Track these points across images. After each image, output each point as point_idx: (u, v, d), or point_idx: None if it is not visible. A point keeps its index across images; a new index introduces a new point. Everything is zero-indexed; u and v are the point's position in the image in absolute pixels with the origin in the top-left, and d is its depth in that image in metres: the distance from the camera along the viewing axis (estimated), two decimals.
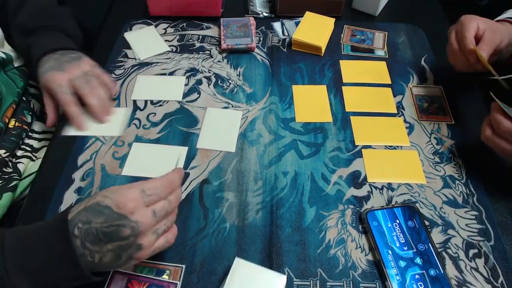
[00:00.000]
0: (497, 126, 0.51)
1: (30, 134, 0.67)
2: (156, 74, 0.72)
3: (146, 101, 0.68)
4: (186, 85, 0.71)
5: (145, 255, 0.42)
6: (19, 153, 0.64)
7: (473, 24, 0.59)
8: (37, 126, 0.68)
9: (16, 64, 0.65)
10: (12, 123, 0.62)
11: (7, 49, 0.65)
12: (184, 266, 0.50)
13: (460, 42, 0.59)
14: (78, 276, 0.40)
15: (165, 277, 0.49)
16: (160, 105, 0.68)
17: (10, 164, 0.62)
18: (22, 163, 0.64)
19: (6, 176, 0.60)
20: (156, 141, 0.63)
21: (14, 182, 0.61)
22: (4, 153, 0.60)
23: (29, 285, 0.39)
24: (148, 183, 0.43)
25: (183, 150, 0.61)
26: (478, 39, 0.59)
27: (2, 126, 0.60)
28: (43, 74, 0.60)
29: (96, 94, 0.62)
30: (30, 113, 0.66)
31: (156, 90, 0.69)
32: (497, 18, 0.66)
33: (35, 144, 0.67)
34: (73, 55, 0.64)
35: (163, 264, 0.50)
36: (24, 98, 0.66)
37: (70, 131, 0.63)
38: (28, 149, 0.66)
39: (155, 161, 0.60)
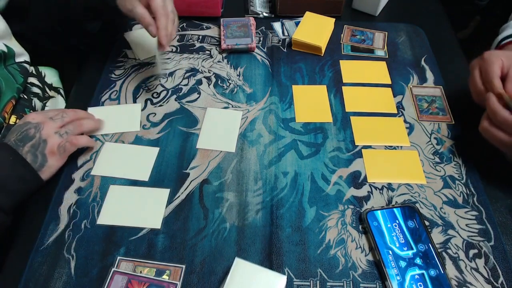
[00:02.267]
0: (493, 115, 0.51)
1: None
2: (155, 75, 0.72)
3: (146, 101, 0.68)
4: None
5: (54, 150, 0.55)
6: None
7: (498, 63, 0.55)
8: None
9: (17, 60, 0.65)
10: (13, 120, 0.63)
11: (12, 44, 0.65)
12: (184, 266, 0.50)
13: (486, 84, 0.56)
14: (27, 173, 0.53)
15: (165, 277, 0.49)
16: (160, 105, 0.68)
17: None
18: None
19: None
20: (156, 141, 0.63)
21: None
22: None
23: None
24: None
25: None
26: (502, 77, 0.55)
27: (1, 121, 0.60)
28: None
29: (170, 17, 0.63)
30: (31, 111, 0.66)
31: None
32: (500, 38, 0.64)
33: None
34: None
35: (163, 264, 0.50)
36: (25, 96, 0.66)
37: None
38: None
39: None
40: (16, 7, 0.68)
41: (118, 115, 0.66)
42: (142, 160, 0.60)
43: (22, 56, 0.67)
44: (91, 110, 0.67)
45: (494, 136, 0.52)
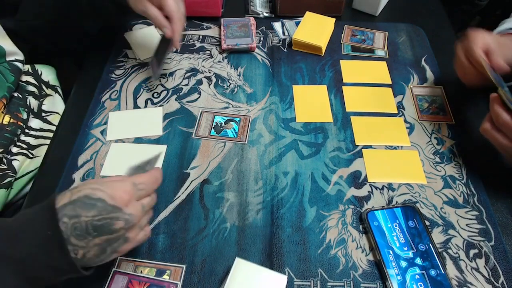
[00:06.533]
0: (496, 118, 0.51)
1: (26, 131, 0.66)
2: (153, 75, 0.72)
3: (146, 101, 0.68)
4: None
5: (129, 248, 0.43)
6: (14, 150, 0.64)
7: (481, 38, 0.57)
8: (34, 123, 0.68)
9: (8, 59, 0.65)
10: (6, 120, 0.62)
11: (3, 42, 0.64)
12: (184, 266, 0.50)
13: (469, 56, 0.58)
14: (65, 266, 0.38)
15: (165, 277, 0.49)
16: (161, 105, 0.68)
17: (4, 161, 0.62)
18: (17, 160, 0.63)
19: (1, 173, 0.60)
20: (157, 141, 0.63)
21: (8, 179, 0.61)
22: None
23: (12, 273, 0.37)
24: (138, 178, 0.44)
25: (163, 149, 0.62)
26: (486, 54, 0.57)
27: None
28: None
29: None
30: (26, 109, 0.66)
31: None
32: (497, 30, 0.65)
33: (32, 141, 0.67)
34: None
35: (164, 264, 0.50)
36: (20, 95, 0.66)
37: (110, 136, 0.64)
38: (24, 146, 0.65)
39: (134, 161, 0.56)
40: (6, 2, 0.67)
41: (139, 119, 0.66)
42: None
43: (14, 55, 0.66)
44: (112, 114, 0.66)
45: (494, 139, 0.53)
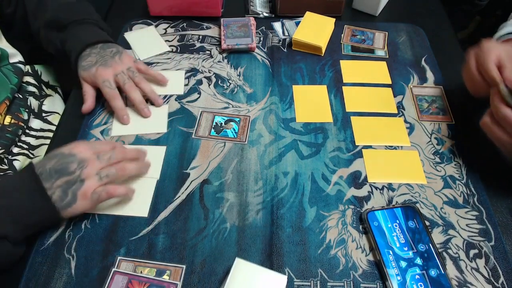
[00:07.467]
0: (495, 111, 0.51)
1: (27, 131, 0.66)
2: None
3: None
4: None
5: (87, 194, 0.49)
6: (15, 150, 0.64)
7: (495, 52, 0.55)
8: (34, 124, 0.68)
9: (11, 61, 0.65)
10: (7, 120, 0.62)
11: (4, 45, 0.65)
12: (184, 266, 0.50)
13: (482, 70, 0.56)
14: (44, 207, 0.47)
15: (165, 277, 0.49)
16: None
17: (5, 161, 0.62)
18: (18, 160, 0.63)
19: (1, 173, 0.60)
20: (157, 141, 0.63)
21: None
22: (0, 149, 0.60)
23: (11, 222, 0.46)
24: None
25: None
26: (499, 68, 0.55)
27: None
28: (88, 68, 0.64)
29: (137, 89, 0.65)
30: (27, 110, 0.66)
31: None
32: (499, 35, 0.65)
33: (32, 141, 0.67)
34: (114, 49, 0.66)
35: (164, 264, 0.50)
36: (20, 96, 0.66)
37: (115, 132, 0.64)
38: (25, 146, 0.65)
39: None
40: (2, 16, 0.68)
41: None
42: (151, 159, 0.60)
43: (16, 56, 0.66)
44: None
45: (494, 133, 0.53)
